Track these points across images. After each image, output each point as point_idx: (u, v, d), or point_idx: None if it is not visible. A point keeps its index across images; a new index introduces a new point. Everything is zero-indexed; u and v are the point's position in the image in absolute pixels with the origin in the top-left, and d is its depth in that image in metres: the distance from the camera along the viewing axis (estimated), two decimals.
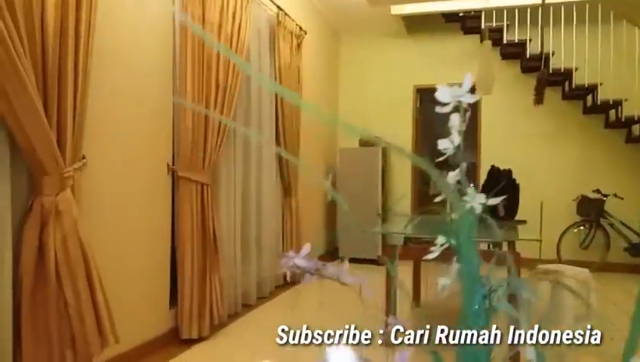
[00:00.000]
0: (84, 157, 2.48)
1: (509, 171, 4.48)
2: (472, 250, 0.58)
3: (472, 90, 0.68)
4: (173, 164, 3.37)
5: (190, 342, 3.33)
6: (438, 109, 0.64)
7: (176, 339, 3.34)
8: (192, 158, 3.35)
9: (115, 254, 2.80)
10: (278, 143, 4.84)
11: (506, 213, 4.34)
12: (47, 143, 2.13)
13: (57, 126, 2.23)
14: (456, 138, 0.62)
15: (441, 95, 0.67)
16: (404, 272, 4.93)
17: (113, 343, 2.45)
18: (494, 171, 4.53)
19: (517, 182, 4.49)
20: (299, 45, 5.05)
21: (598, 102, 5.83)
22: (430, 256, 0.73)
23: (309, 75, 5.83)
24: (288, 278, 0.94)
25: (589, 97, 6.08)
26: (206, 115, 3.44)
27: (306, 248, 0.90)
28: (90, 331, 2.36)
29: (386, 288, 3.38)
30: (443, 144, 0.66)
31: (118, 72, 2.82)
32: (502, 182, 4.45)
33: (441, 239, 0.68)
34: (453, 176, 0.69)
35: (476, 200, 0.64)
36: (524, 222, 4.30)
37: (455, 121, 0.63)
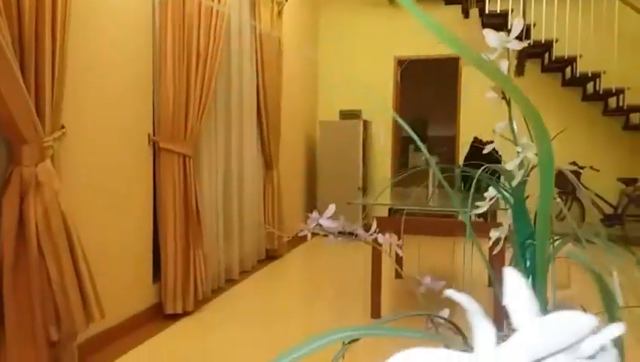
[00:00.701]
0: (63, 127, 2.36)
1: (492, 143, 4.49)
2: (523, 202, 0.55)
3: (520, 37, 0.63)
4: (154, 135, 3.26)
5: (174, 317, 3.28)
6: (485, 56, 0.59)
7: (160, 314, 3.29)
8: (173, 129, 3.24)
9: (95, 228, 2.71)
10: (259, 115, 4.74)
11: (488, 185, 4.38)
12: (26, 110, 2.01)
13: (36, 93, 2.10)
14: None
15: (490, 39, 0.62)
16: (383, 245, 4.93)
17: (99, 318, 2.39)
18: (476, 143, 4.53)
19: (499, 154, 4.52)
20: (279, 13, 4.92)
21: (577, 75, 5.87)
22: (479, 210, 0.69)
23: (289, 44, 5.70)
24: (309, 239, 0.90)
25: (568, 69, 6.13)
26: (187, 84, 3.32)
27: (331, 208, 0.85)
28: (74, 306, 2.29)
29: (372, 259, 3.37)
30: (489, 94, 0.62)
31: (96, 40, 2.68)
32: (484, 155, 4.47)
33: (491, 192, 0.64)
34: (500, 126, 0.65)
35: (530, 150, 0.60)
36: None
37: (504, 67, 0.59)
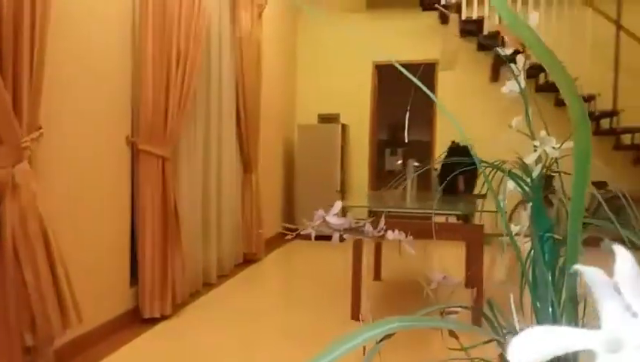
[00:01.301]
0: (40, 128, 2.30)
1: (470, 147, 4.56)
2: (540, 196, 0.57)
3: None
4: (132, 137, 3.21)
5: (152, 322, 3.23)
6: (501, 51, 0.60)
7: (137, 319, 3.23)
8: (152, 131, 3.20)
9: (72, 231, 2.65)
10: (238, 118, 4.71)
11: (466, 187, 4.44)
12: (3, 110, 1.96)
13: (13, 92, 2.05)
14: (522, 82, 0.59)
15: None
16: (347, 250, 4.91)
17: (77, 323, 2.33)
18: (454, 146, 4.60)
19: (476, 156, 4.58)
20: (259, 15, 4.90)
21: (550, 81, 6.02)
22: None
23: (268, 47, 5.69)
24: (312, 238, 0.89)
25: (542, 75, 6.27)
26: (167, 85, 3.28)
27: (337, 205, 0.85)
28: (51, 311, 2.23)
29: (352, 262, 3.38)
30: (509, 87, 0.63)
31: (75, 40, 2.63)
32: (461, 158, 4.53)
33: (510, 185, 0.65)
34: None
35: (548, 145, 0.62)
36: (483, 196, 4.41)
37: (520, 63, 0.60)
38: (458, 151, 4.62)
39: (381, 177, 10.27)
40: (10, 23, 2.01)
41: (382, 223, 0.82)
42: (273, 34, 5.97)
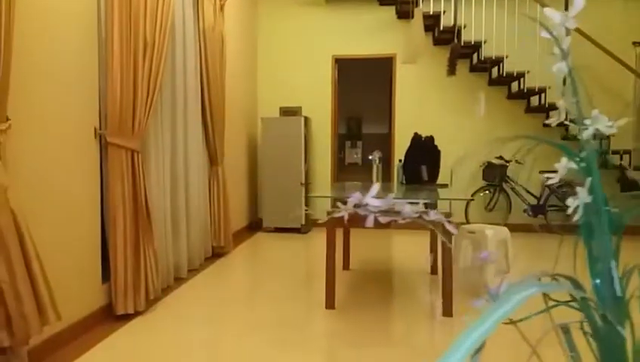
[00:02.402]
0: (8, 119, 2.22)
1: (432, 138, 4.69)
2: (596, 167, 0.62)
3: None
4: (100, 129, 3.13)
5: (126, 318, 3.17)
6: (543, 34, 0.65)
7: (110, 315, 3.17)
8: (120, 123, 3.12)
9: (40, 226, 2.56)
10: (203, 110, 4.66)
11: (429, 177, 4.57)
12: None
13: None
14: (566, 65, 0.64)
15: (552, 16, 0.67)
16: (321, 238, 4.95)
17: (54, 321, 2.27)
18: (417, 138, 4.71)
19: (438, 148, 4.72)
20: (222, 7, 4.86)
21: (504, 75, 6.26)
22: (552, 181, 0.74)
23: (230, 40, 5.64)
24: (345, 221, 0.92)
25: (495, 69, 6.51)
26: (134, 77, 3.22)
27: (375, 187, 0.88)
28: (27, 309, 2.16)
29: (326, 251, 3.42)
30: (559, 67, 0.68)
31: (40, 30, 2.53)
32: (425, 149, 4.66)
33: (563, 161, 0.70)
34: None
35: (601, 123, 0.67)
36: (445, 185, 4.56)
37: (565, 45, 0.65)
38: (421, 142, 4.74)
39: (342, 169, 10.37)
40: None
41: (421, 205, 0.85)
42: (234, 27, 5.92)
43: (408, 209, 0.82)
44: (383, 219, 0.83)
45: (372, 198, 0.78)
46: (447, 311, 3.28)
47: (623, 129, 6.36)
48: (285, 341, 2.83)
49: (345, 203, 0.90)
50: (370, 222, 0.81)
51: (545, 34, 0.67)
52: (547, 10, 0.66)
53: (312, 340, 2.87)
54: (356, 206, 0.80)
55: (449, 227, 0.87)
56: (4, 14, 2.09)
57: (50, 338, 2.60)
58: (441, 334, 2.97)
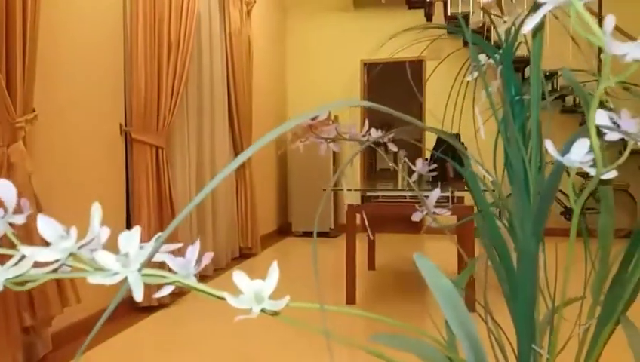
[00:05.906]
0: (34, 111, 2.34)
1: (458, 135, 4.62)
2: (510, 63, 0.61)
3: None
4: (125, 126, 3.24)
5: (149, 310, 3.24)
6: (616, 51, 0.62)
7: (134, 307, 3.24)
8: (145, 120, 3.23)
9: (66, 217, 2.66)
10: (230, 111, 4.75)
11: (455, 174, 4.50)
12: None
13: (6, 72, 2.08)
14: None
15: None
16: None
17: (74, 302, 2.35)
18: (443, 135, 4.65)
19: (464, 145, 4.64)
20: (248, 13, 4.97)
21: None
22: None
23: (257, 45, 5.75)
24: (301, 146, 0.92)
25: (527, 70, 6.37)
26: (159, 75, 3.33)
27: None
28: (49, 290, 2.25)
29: (347, 250, 3.42)
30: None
31: (67, 26, 2.67)
32: (451, 146, 4.59)
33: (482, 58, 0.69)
34: None
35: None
36: None
37: None
38: (446, 140, 4.67)
39: (372, 174, 10.31)
40: (2, 8, 2.04)
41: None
42: (262, 32, 6.04)
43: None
44: (334, 146, 0.84)
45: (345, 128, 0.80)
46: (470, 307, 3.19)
47: None
48: (300, 335, 2.83)
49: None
50: (322, 149, 0.82)
51: None
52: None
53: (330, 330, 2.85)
54: (311, 128, 0.82)
55: (418, 211, 0.87)
56: (30, 7, 2.20)
57: (75, 324, 2.69)
58: None
